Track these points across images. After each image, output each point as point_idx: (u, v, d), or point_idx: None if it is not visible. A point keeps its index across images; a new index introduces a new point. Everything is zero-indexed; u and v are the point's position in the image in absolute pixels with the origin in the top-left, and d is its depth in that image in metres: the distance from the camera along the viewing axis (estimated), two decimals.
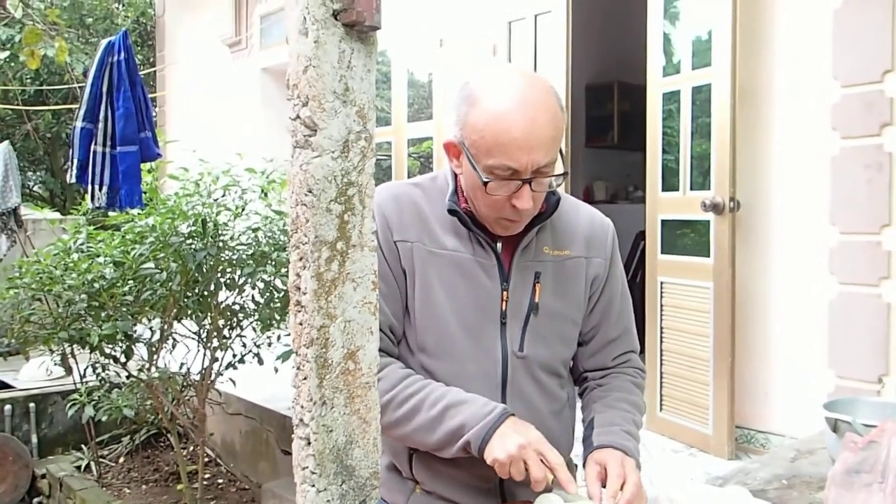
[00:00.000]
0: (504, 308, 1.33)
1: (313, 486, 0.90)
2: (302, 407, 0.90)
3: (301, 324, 0.90)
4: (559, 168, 1.27)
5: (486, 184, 1.21)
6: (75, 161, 3.53)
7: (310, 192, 0.88)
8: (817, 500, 1.31)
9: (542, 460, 1.19)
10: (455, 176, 1.35)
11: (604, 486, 1.25)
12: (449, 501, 1.34)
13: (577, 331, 1.43)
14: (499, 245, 1.33)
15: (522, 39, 4.12)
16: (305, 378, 0.89)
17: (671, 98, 3.48)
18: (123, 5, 10.81)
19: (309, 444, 0.90)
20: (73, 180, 3.59)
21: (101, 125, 3.49)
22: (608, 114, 6.84)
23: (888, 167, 2.87)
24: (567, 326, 1.40)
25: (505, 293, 1.33)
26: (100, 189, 3.49)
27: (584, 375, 1.50)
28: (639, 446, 1.37)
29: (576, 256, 1.39)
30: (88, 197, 3.55)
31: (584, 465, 1.32)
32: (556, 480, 1.19)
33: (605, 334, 1.46)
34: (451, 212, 1.31)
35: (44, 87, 9.74)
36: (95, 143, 3.50)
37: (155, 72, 8.13)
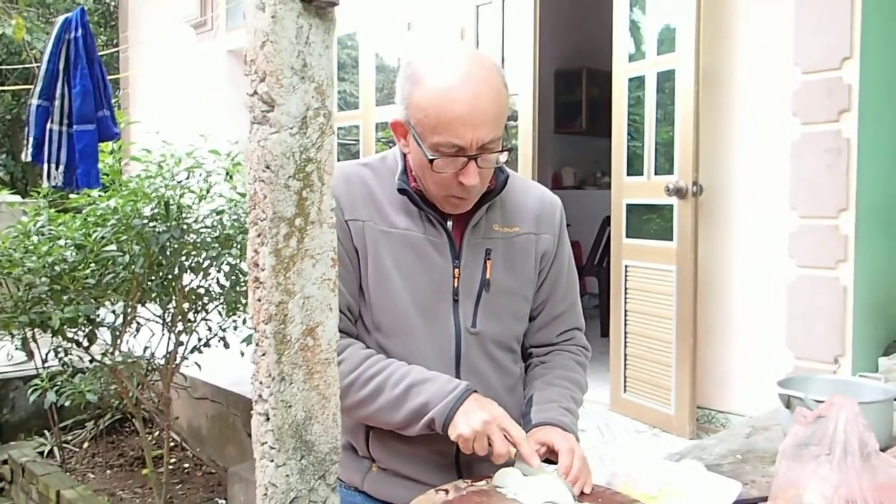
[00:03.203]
0: (456, 285, 1.34)
1: (272, 461, 0.90)
2: (261, 383, 0.91)
3: (260, 300, 0.90)
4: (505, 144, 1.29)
5: (432, 161, 1.23)
6: (31, 139, 3.45)
7: (268, 168, 0.88)
8: (769, 474, 1.35)
9: (505, 436, 1.21)
10: (404, 155, 1.36)
11: (545, 461, 1.27)
12: (406, 478, 1.35)
13: (529, 306, 1.45)
14: (449, 223, 1.35)
15: (490, 24, 4.12)
16: (264, 354, 0.90)
17: (638, 84, 3.51)
18: None
19: (268, 419, 0.90)
20: (29, 159, 3.51)
21: (57, 103, 3.41)
22: (577, 100, 6.87)
23: (846, 153, 2.93)
24: (519, 302, 1.42)
25: (457, 270, 1.34)
26: (56, 168, 3.41)
27: (529, 352, 1.52)
28: (577, 422, 1.39)
29: (525, 233, 1.41)
30: (45, 176, 3.48)
31: None
32: (519, 454, 1.22)
33: (552, 310, 1.49)
34: (402, 191, 1.32)
35: (2, 67, 9.51)
36: (52, 122, 3.42)
37: (118, 52, 7.97)
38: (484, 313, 1.36)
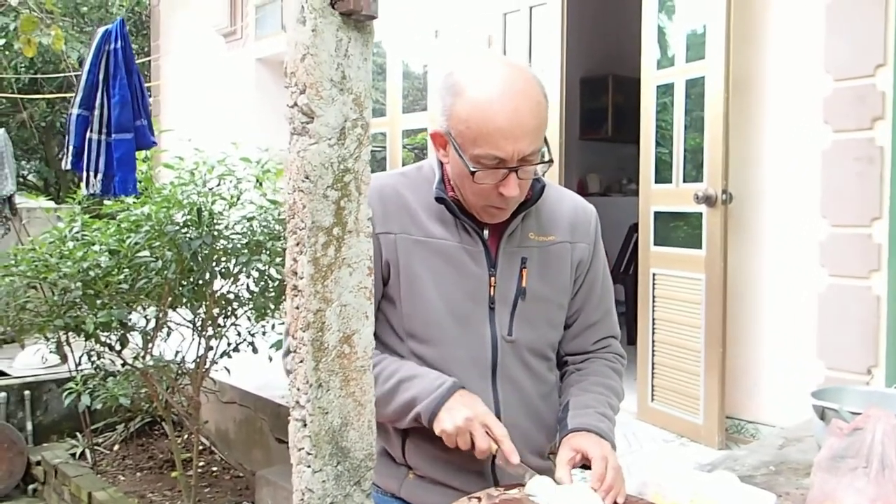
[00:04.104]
0: (492, 293, 1.36)
1: (309, 466, 0.92)
2: (298, 389, 0.92)
3: (298, 308, 0.91)
4: (545, 155, 1.29)
5: (473, 173, 1.24)
6: (71, 148, 3.53)
7: (307, 178, 0.89)
8: (804, 486, 1.34)
9: (487, 432, 1.23)
10: (441, 165, 1.37)
11: (581, 467, 1.28)
12: (442, 485, 1.36)
13: (564, 314, 1.46)
14: (485, 232, 1.36)
15: (517, 31, 4.12)
16: (302, 361, 0.91)
17: (665, 91, 3.49)
18: None
19: (305, 425, 0.91)
20: (69, 167, 3.60)
21: (96, 112, 3.50)
22: (602, 106, 6.84)
23: (879, 161, 2.89)
24: (554, 310, 1.43)
25: (493, 279, 1.35)
26: (94, 176, 3.49)
27: (565, 360, 1.52)
28: (614, 429, 1.40)
29: (560, 241, 1.42)
30: (83, 184, 3.56)
31: (558, 447, 1.34)
32: (500, 451, 1.23)
33: (587, 318, 1.49)
34: (439, 200, 1.34)
35: (38, 76, 9.69)
36: (91, 131, 3.51)
37: (150, 61, 8.10)
38: (520, 321, 1.37)
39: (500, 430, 1.24)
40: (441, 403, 1.25)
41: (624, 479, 1.25)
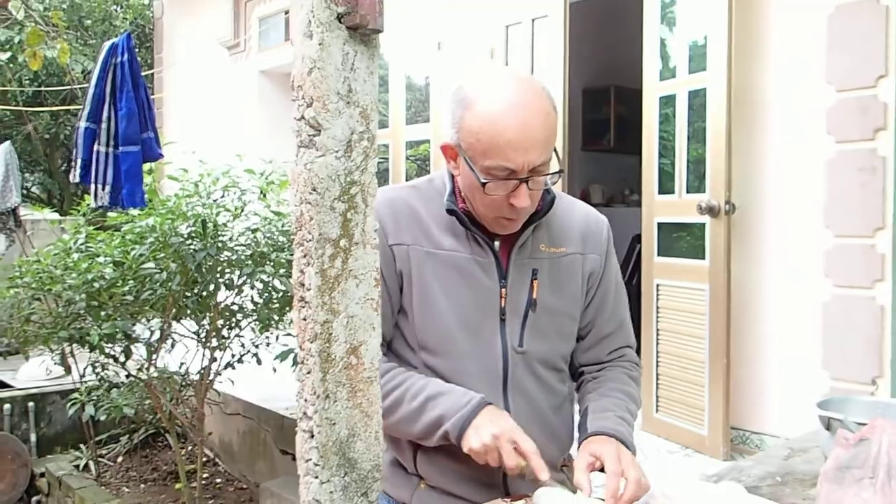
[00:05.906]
0: (503, 305, 1.36)
1: (316, 477, 0.92)
2: (305, 400, 0.93)
3: (305, 319, 0.92)
4: (554, 166, 1.30)
5: (484, 184, 1.24)
6: (79, 161, 3.55)
7: (314, 190, 0.90)
8: (810, 496, 1.33)
9: (515, 448, 1.22)
10: (452, 177, 1.38)
11: (599, 471, 1.27)
12: (453, 496, 1.36)
13: (576, 326, 1.46)
14: (496, 243, 1.36)
15: (520, 43, 4.15)
16: (309, 372, 0.92)
17: (667, 102, 3.51)
18: (122, 7, 10.82)
19: (312, 436, 0.92)
20: (77, 179, 3.62)
21: (104, 125, 3.53)
22: (605, 117, 6.87)
23: (882, 171, 2.90)
24: (565, 322, 1.43)
25: (503, 290, 1.35)
26: (102, 188, 3.52)
27: (581, 370, 1.52)
28: (632, 433, 1.39)
29: (572, 253, 1.42)
30: (91, 196, 3.58)
31: (578, 451, 1.33)
32: (529, 467, 1.21)
33: (601, 329, 1.49)
34: (450, 212, 1.34)
35: (42, 89, 9.74)
36: (98, 143, 3.53)
37: (153, 73, 8.14)
38: (530, 333, 1.37)
39: (528, 445, 1.22)
40: (468, 421, 1.24)
41: (646, 484, 1.23)
